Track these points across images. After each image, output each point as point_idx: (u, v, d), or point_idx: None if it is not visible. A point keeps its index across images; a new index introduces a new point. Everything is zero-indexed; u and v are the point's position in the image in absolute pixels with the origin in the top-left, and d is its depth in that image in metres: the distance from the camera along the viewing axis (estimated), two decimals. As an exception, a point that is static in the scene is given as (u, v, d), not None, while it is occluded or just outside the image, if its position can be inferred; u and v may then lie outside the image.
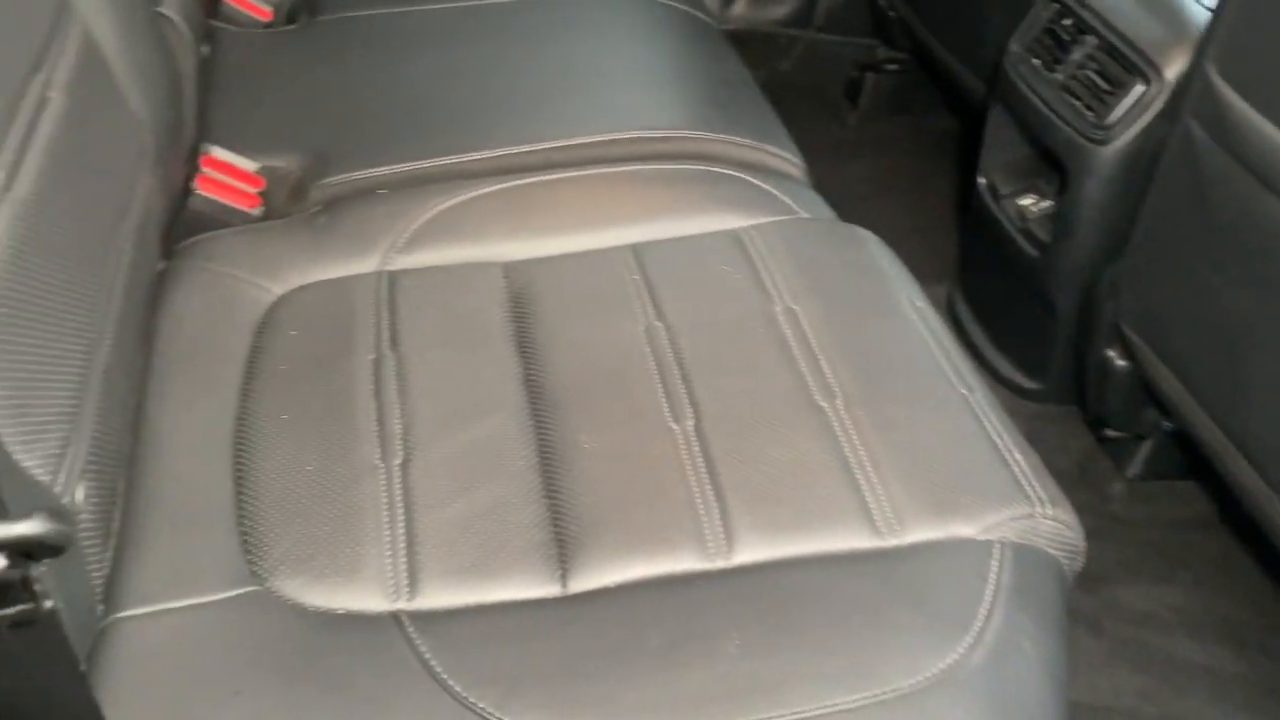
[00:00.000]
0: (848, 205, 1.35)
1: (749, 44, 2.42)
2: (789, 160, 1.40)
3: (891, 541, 0.92)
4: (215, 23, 1.58)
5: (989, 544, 0.91)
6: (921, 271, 1.23)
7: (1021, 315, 1.64)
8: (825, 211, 1.32)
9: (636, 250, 1.20)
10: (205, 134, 1.36)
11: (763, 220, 1.25)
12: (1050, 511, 0.95)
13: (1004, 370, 1.69)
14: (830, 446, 0.98)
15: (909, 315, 1.13)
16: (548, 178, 1.30)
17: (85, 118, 0.97)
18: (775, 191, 1.30)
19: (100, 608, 0.84)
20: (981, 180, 1.66)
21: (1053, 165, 1.51)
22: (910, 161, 2.23)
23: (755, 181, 1.31)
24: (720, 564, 0.90)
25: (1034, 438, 1.08)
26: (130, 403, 0.99)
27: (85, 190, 0.95)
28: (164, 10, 1.27)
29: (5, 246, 0.78)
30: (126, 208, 1.04)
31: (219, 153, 1.33)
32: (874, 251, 1.23)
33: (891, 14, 2.17)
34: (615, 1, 1.66)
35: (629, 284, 1.16)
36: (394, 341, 1.09)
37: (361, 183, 1.32)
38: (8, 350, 0.74)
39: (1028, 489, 0.96)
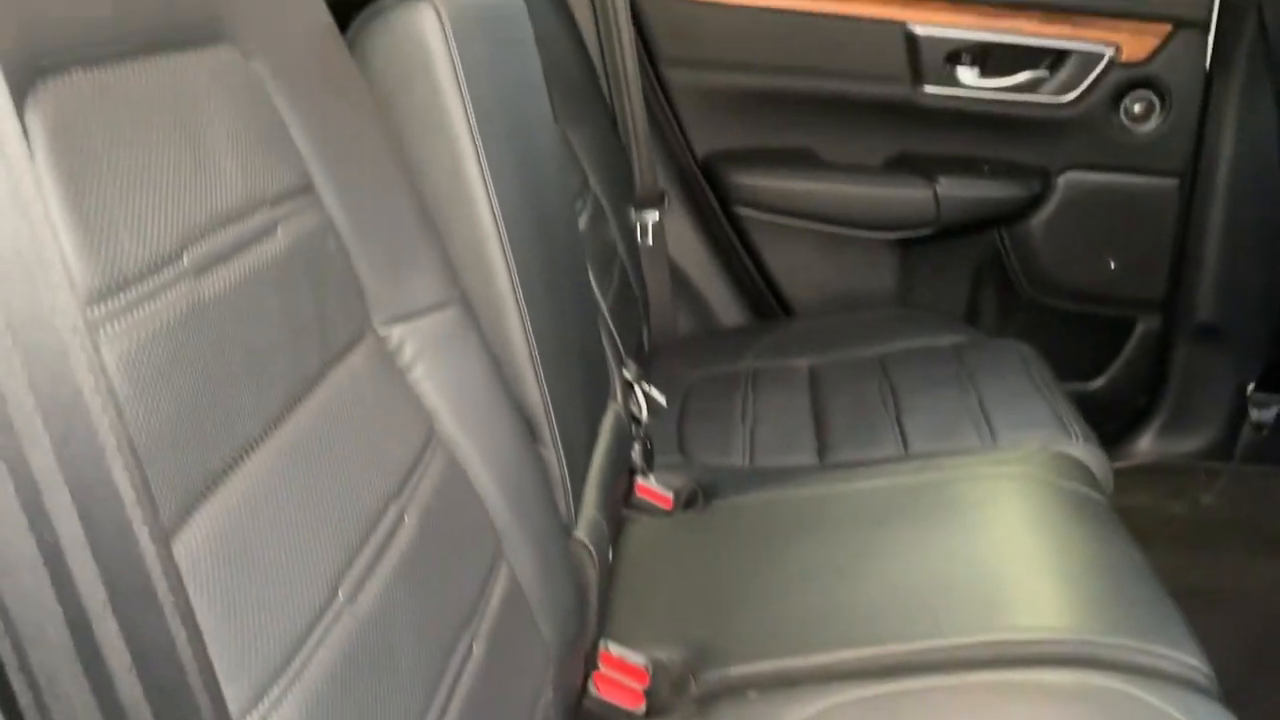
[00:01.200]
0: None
1: (1161, 476, 2.27)
2: (1191, 665, 1.26)
3: None
4: (626, 511, 1.81)
5: None
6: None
7: None
8: (1237, 733, 1.15)
9: (1006, 778, 1.12)
10: (603, 628, 1.51)
11: (1156, 746, 1.12)
12: None
13: None
14: None
15: None
16: (906, 685, 1.28)
17: (503, 660, 1.08)
18: (1171, 710, 1.17)
19: None
20: None
21: None
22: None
23: (1145, 696, 1.19)
24: None
25: None
26: None
27: (492, 725, 1.07)
28: (579, 535, 1.47)
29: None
30: (526, 730, 1.16)
31: (615, 650, 1.46)
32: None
33: (1329, 446, 1.95)
34: (991, 482, 1.68)
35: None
36: None
37: (734, 680, 1.38)
38: None
39: None
